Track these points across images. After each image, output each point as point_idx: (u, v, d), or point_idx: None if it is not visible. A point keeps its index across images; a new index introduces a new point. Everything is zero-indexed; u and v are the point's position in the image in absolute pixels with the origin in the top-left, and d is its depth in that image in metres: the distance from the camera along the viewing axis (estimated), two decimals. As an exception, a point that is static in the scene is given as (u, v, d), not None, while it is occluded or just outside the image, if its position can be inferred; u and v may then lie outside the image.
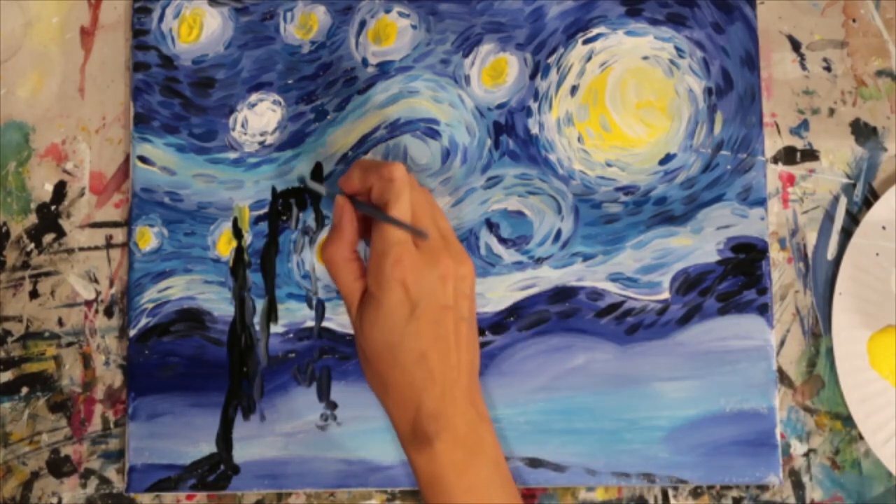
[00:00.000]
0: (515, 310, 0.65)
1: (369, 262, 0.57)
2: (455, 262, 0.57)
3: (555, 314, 0.64)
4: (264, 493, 0.64)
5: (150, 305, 0.65)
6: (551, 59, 0.66)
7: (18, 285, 0.66)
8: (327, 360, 0.64)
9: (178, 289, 0.65)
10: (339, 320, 0.65)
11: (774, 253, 0.65)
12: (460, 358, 0.57)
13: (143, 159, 0.66)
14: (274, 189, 0.66)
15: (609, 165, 0.66)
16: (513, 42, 0.66)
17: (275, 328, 0.65)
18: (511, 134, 0.66)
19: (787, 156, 0.66)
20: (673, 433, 0.63)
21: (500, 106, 0.66)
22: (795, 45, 0.67)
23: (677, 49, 0.66)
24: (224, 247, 0.66)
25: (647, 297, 0.64)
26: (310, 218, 0.66)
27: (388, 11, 0.67)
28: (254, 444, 0.64)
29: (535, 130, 0.66)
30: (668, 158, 0.65)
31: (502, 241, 0.65)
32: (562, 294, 0.65)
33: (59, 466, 0.65)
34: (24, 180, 0.67)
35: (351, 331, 0.63)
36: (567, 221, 0.65)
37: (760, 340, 0.64)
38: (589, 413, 0.63)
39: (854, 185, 0.66)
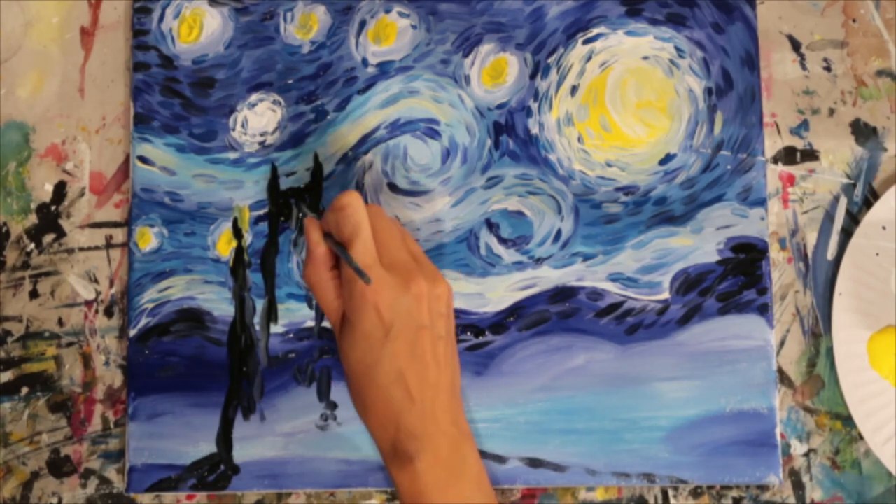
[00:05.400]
0: (515, 310, 0.64)
1: (343, 287, 0.58)
2: (429, 283, 0.57)
3: (555, 314, 0.64)
4: (264, 493, 0.64)
5: (150, 305, 0.65)
6: (551, 59, 0.66)
7: (18, 285, 0.66)
8: (327, 360, 0.64)
9: (178, 289, 0.65)
10: (339, 320, 0.65)
11: (774, 253, 0.65)
12: (439, 377, 0.57)
13: (143, 159, 0.66)
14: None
15: (609, 165, 0.65)
16: (513, 42, 0.66)
17: (275, 328, 0.65)
18: (511, 134, 0.66)
19: (787, 156, 0.66)
20: (673, 433, 0.63)
21: (500, 106, 0.66)
22: (795, 45, 0.67)
23: (677, 49, 0.66)
24: (224, 247, 0.65)
25: (647, 297, 0.64)
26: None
27: (388, 11, 0.67)
28: (254, 444, 0.64)
29: (535, 130, 0.66)
30: (668, 158, 0.65)
31: (502, 241, 0.65)
32: (562, 294, 0.65)
33: (59, 466, 0.65)
34: (24, 180, 0.67)
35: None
36: (567, 221, 0.65)
37: (760, 340, 0.64)
38: (589, 413, 0.63)
39: (854, 185, 0.66)
